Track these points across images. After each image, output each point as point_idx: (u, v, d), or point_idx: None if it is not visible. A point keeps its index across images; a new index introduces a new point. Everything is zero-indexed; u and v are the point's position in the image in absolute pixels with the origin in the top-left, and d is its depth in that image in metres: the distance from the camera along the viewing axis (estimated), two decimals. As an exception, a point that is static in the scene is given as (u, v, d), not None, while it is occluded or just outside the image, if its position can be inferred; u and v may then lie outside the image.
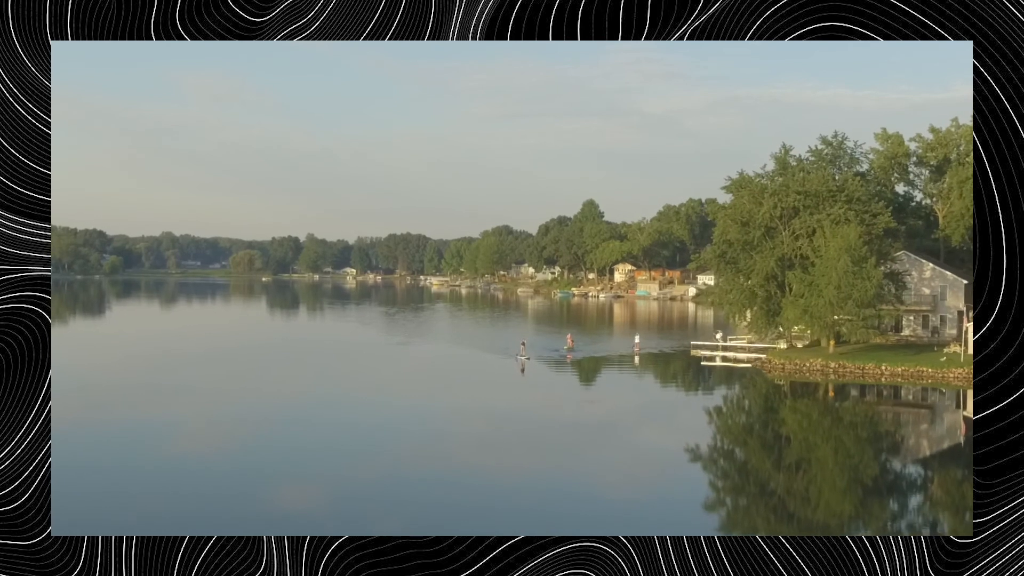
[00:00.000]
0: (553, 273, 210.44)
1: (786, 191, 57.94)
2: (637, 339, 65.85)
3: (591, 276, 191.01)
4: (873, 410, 44.73)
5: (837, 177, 61.12)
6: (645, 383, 56.34)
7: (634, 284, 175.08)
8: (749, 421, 42.99)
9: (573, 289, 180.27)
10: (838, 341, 55.00)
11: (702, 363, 59.74)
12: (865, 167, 67.16)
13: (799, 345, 59.54)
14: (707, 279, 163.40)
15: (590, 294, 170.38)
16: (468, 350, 69.55)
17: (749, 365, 57.61)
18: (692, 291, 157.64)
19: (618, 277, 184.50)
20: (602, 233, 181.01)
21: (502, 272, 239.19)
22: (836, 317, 52.23)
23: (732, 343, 63.84)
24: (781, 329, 59.85)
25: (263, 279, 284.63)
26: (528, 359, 56.51)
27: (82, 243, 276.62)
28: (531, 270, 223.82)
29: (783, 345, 60.17)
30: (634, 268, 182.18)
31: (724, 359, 60.71)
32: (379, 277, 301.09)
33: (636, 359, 61.82)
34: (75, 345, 66.08)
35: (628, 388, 52.33)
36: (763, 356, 57.67)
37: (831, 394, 48.09)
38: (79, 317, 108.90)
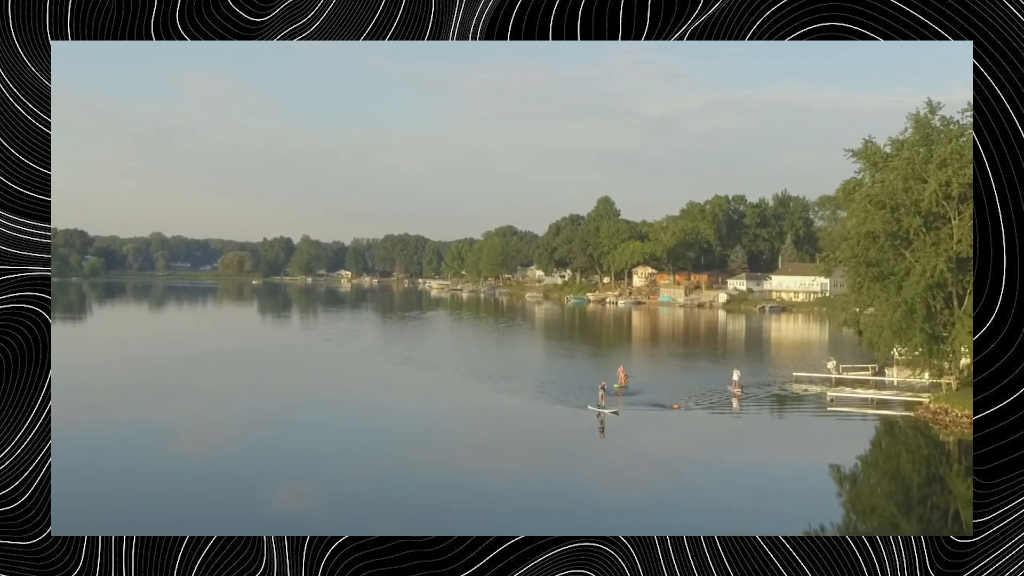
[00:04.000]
0: (563, 277, 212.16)
1: (959, 160, 43.96)
2: (736, 376, 50.23)
3: (606, 280, 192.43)
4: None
5: None
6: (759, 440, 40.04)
7: (656, 289, 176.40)
8: (900, 492, 32.20)
9: (588, 294, 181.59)
10: None
11: (829, 407, 46.11)
12: None
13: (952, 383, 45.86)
14: (738, 284, 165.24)
15: (608, 300, 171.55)
16: (473, 383, 54.75)
17: (911, 413, 43.35)
18: (723, 297, 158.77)
19: (637, 281, 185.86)
20: (621, 233, 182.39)
21: (507, 275, 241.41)
22: None
23: (852, 375, 52.87)
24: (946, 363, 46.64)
25: (253, 282, 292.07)
26: (615, 413, 42.05)
27: (62, 243, 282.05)
28: (539, 273, 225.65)
29: (950, 382, 46.04)
30: (655, 271, 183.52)
31: (840, 400, 47.74)
32: (375, 280, 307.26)
33: (735, 403, 46.77)
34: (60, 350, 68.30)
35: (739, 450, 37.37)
36: (923, 399, 44.45)
37: None
38: (57, 323, 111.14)
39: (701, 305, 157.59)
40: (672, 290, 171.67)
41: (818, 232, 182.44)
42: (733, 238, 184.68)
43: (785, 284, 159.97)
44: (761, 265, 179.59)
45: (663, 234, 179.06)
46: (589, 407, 42.91)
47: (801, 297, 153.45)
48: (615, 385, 48.94)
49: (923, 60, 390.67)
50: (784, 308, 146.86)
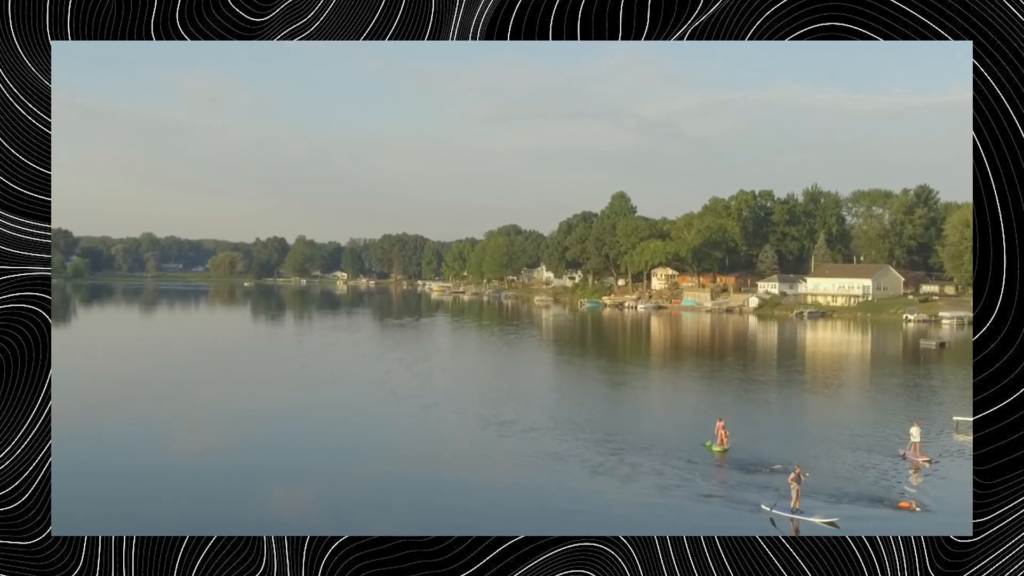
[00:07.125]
0: (573, 279, 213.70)
1: None
2: (916, 435, 36.71)
3: (621, 283, 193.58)
4: None
5: None
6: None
7: (678, 292, 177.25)
8: None
9: (604, 298, 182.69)
10: None
11: None
12: None
13: None
14: (769, 287, 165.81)
15: (626, 304, 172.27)
16: (483, 437, 40.37)
17: None
18: (754, 301, 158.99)
19: (656, 284, 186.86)
20: (639, 231, 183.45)
21: (511, 277, 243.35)
22: None
23: None
24: None
25: (245, 284, 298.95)
26: (831, 522, 27.15)
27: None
28: (548, 275, 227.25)
29: None
30: (675, 273, 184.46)
31: None
32: (372, 282, 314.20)
33: (914, 476, 33.97)
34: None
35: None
36: None
37: None
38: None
39: (730, 310, 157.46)
40: (697, 293, 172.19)
41: (852, 230, 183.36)
42: (760, 236, 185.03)
43: (822, 287, 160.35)
44: (788, 266, 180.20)
45: (687, 232, 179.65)
46: (764, 506, 28.53)
47: (840, 301, 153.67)
48: (714, 448, 37.35)
49: (923, 60, 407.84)
50: (823, 313, 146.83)
